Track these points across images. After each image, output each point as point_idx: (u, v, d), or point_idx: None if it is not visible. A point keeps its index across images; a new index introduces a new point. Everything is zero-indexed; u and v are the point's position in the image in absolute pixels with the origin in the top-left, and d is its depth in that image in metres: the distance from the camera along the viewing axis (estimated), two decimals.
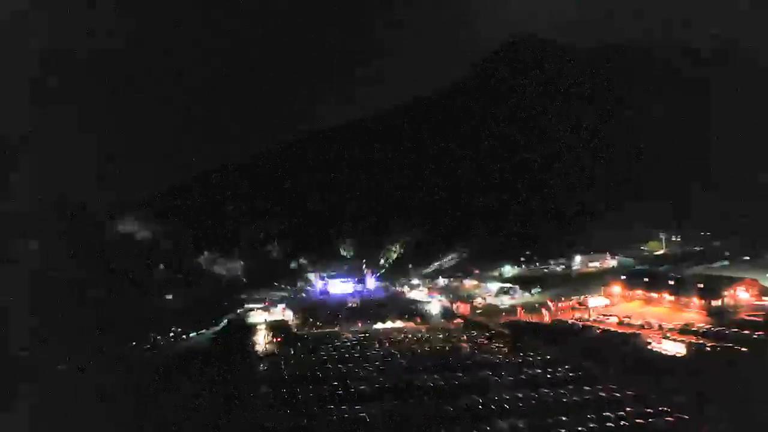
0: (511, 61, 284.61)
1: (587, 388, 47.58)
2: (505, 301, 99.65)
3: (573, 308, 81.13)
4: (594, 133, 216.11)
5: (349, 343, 66.95)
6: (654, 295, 75.85)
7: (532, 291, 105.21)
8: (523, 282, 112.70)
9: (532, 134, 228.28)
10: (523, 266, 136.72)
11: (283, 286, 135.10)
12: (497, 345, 64.39)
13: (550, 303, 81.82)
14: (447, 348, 62.98)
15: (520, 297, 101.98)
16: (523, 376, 51.84)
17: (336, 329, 79.92)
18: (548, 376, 52.22)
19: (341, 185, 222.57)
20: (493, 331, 72.23)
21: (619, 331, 63.39)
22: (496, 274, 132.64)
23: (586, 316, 74.08)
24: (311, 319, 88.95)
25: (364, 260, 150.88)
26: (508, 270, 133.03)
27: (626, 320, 68.51)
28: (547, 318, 75.65)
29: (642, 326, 64.76)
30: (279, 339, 69.63)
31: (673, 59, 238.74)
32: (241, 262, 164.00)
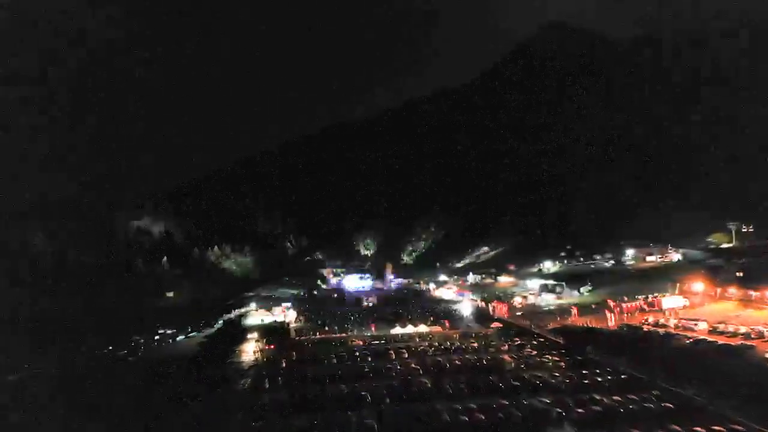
0: (548, 49, 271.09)
1: (698, 429, 31.96)
2: (551, 301, 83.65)
3: (642, 310, 64.57)
4: (632, 122, 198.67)
5: (358, 353, 52.66)
6: (753, 293, 58.63)
7: (581, 289, 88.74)
8: (569, 278, 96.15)
9: (568, 123, 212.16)
10: (565, 261, 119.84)
11: (294, 282, 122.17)
12: (551, 358, 48.99)
13: (611, 303, 65.24)
14: (484, 362, 47.98)
15: (568, 296, 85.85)
16: (597, 407, 36.42)
17: (345, 334, 65.88)
18: (631, 406, 36.54)
19: (364, 177, 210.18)
20: (542, 339, 56.80)
21: (719, 341, 46.91)
22: (534, 270, 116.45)
23: (662, 320, 57.50)
24: (318, 322, 75.52)
25: (384, 254, 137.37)
26: (549, 265, 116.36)
27: (720, 327, 51.93)
28: (611, 322, 59.34)
29: (747, 335, 48.20)
30: (272, 346, 55.70)
31: (718, 46, 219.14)
32: (253, 258, 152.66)
